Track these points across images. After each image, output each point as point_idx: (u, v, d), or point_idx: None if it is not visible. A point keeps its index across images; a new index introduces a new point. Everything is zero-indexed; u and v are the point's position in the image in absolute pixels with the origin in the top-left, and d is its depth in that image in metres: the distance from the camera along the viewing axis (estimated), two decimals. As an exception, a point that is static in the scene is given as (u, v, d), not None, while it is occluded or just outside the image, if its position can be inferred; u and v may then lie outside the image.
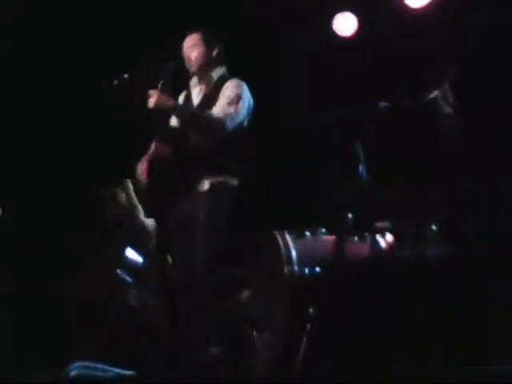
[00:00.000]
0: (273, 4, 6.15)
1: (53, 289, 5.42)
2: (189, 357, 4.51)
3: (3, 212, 5.40)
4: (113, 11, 6.18)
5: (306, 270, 4.34)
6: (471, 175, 4.28)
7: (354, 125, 4.39)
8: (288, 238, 4.46)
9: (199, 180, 4.60)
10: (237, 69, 4.88)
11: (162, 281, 5.05)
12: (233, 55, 4.88)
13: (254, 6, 6.22)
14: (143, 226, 5.59)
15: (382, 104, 4.42)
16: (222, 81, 4.75)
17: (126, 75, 4.72)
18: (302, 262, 4.36)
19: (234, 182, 4.66)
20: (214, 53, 4.79)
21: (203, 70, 4.80)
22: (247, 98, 4.72)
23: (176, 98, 4.87)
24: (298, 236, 4.50)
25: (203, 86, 4.83)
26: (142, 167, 4.75)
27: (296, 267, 4.35)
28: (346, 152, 4.35)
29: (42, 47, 6.17)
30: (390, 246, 4.27)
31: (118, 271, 5.26)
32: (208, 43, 4.78)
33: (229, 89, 4.69)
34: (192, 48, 4.79)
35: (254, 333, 4.55)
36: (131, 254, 5.42)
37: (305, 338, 3.89)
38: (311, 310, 3.94)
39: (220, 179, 4.62)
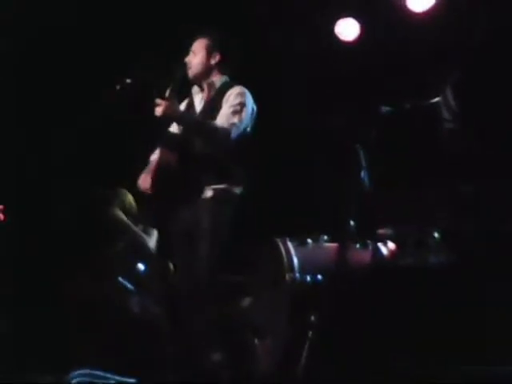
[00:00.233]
0: (275, 9, 6.14)
1: (55, 294, 5.43)
2: (191, 363, 4.51)
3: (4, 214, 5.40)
4: (118, 14, 6.18)
5: (308, 278, 4.35)
6: (473, 181, 4.27)
7: (356, 129, 4.39)
8: (290, 245, 4.47)
9: (202, 187, 4.59)
10: (239, 74, 4.86)
11: (164, 288, 5.05)
12: (235, 61, 4.86)
13: (255, 11, 6.21)
14: (141, 235, 5.61)
15: (384, 108, 4.42)
16: (225, 88, 4.73)
17: (128, 80, 4.71)
18: (303, 269, 4.36)
19: (237, 189, 4.65)
20: (213, 61, 4.77)
21: (203, 77, 4.79)
22: (250, 105, 4.71)
23: (179, 104, 4.87)
24: (300, 243, 4.50)
25: (205, 94, 4.82)
26: (145, 175, 4.75)
27: (298, 274, 4.36)
28: (348, 158, 4.35)
29: (42, 49, 6.16)
30: (392, 253, 4.27)
31: (120, 278, 5.26)
32: (209, 50, 4.77)
33: (232, 97, 4.67)
34: (195, 53, 4.78)
35: (256, 339, 4.55)
36: (133, 260, 5.43)
37: (306, 345, 3.89)
38: (313, 318, 3.94)
39: (223, 187, 4.60)
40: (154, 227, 5.72)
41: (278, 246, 4.48)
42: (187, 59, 4.79)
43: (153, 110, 4.54)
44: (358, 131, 4.36)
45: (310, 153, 6.04)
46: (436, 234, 4.13)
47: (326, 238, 4.58)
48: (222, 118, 4.60)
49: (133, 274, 5.40)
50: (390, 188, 4.62)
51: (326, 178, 5.75)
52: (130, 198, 5.81)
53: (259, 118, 4.77)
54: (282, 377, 4.18)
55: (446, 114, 4.32)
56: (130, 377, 4.40)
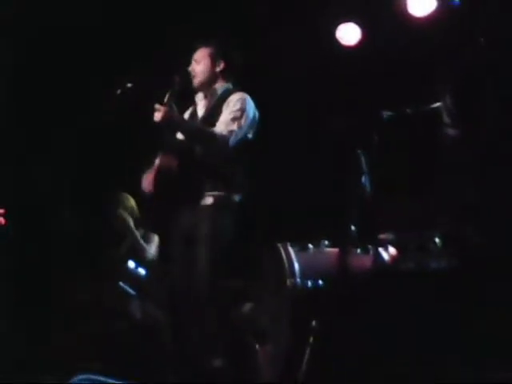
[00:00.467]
0: (275, 13, 6.14)
1: (56, 296, 5.43)
2: (191, 369, 4.51)
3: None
4: (118, 14, 6.18)
5: (309, 283, 4.34)
6: (475, 186, 4.27)
7: (357, 134, 4.39)
8: (291, 250, 4.47)
9: (203, 194, 4.60)
10: (241, 81, 4.87)
11: (165, 293, 5.05)
12: (239, 69, 4.87)
13: (256, 14, 6.22)
14: (141, 240, 5.62)
15: (385, 114, 4.42)
16: (226, 95, 4.74)
17: (129, 85, 4.72)
18: (304, 274, 4.36)
19: (237, 196, 4.65)
20: (218, 68, 4.78)
21: (206, 85, 4.80)
22: (251, 111, 4.71)
23: (183, 112, 4.87)
24: (301, 248, 4.50)
25: (207, 101, 4.83)
26: (147, 179, 4.75)
27: (299, 279, 4.35)
28: (349, 163, 4.35)
29: (42, 48, 6.17)
30: (393, 258, 4.26)
31: (121, 283, 5.27)
32: (213, 58, 4.78)
33: (232, 103, 4.68)
34: (197, 62, 4.79)
35: (257, 345, 4.55)
36: (133, 265, 5.44)
37: (307, 351, 3.89)
38: (314, 323, 3.94)
39: (223, 193, 4.61)
40: (155, 232, 5.74)
41: (279, 251, 4.47)
42: (190, 68, 4.80)
43: (151, 116, 4.55)
44: (360, 136, 4.36)
45: (312, 157, 6.04)
46: (437, 239, 4.13)
47: (327, 242, 4.57)
48: (222, 125, 4.61)
49: (134, 279, 5.41)
50: (391, 193, 4.62)
51: (327, 183, 5.76)
52: (132, 202, 5.82)
53: (261, 122, 4.78)
54: (282, 382, 4.18)
55: (446, 120, 4.32)
56: (131, 381, 4.39)
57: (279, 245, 4.51)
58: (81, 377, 4.24)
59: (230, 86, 4.82)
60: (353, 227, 4.23)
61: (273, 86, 5.86)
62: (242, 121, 4.62)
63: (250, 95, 4.77)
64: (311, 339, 3.90)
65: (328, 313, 3.99)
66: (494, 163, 4.41)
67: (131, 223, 5.71)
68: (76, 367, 4.58)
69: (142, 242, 5.62)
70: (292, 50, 6.14)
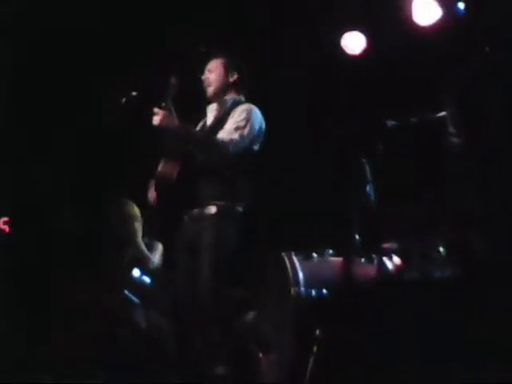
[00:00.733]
0: (280, 21, 6.15)
1: (58, 299, 5.43)
2: (195, 377, 4.50)
3: None
4: (118, 15, 6.18)
5: (313, 292, 4.34)
6: (478, 194, 4.27)
7: (362, 143, 4.39)
8: (295, 259, 4.46)
9: (206, 203, 4.60)
10: (251, 92, 4.88)
11: (169, 301, 5.05)
12: (250, 82, 4.88)
13: (260, 23, 6.22)
14: (144, 249, 5.62)
15: (390, 122, 4.42)
16: (235, 106, 4.75)
17: (134, 93, 4.72)
18: (308, 283, 4.36)
19: (241, 205, 4.64)
20: (231, 79, 4.79)
21: (219, 94, 4.81)
22: (257, 123, 4.70)
23: (196, 124, 4.88)
24: (305, 257, 4.50)
25: (217, 111, 4.83)
26: (151, 186, 4.76)
27: (303, 288, 4.35)
28: (354, 171, 4.35)
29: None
30: (397, 267, 4.26)
31: (125, 291, 5.26)
32: (226, 68, 4.78)
33: (237, 113, 4.68)
34: (210, 71, 4.80)
35: (261, 353, 4.54)
36: (138, 274, 5.43)
37: (311, 360, 3.88)
38: (318, 332, 3.94)
39: (227, 203, 4.60)
40: (158, 240, 5.73)
41: (283, 259, 4.47)
42: (203, 77, 4.82)
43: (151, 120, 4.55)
44: (364, 145, 4.36)
45: (316, 166, 6.03)
46: (441, 248, 4.13)
47: (331, 252, 4.57)
48: (224, 133, 4.61)
49: (138, 287, 5.40)
50: (395, 202, 4.61)
51: (331, 192, 5.75)
52: (136, 210, 5.82)
53: (266, 131, 4.77)
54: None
55: (451, 129, 4.33)
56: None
57: (283, 254, 4.51)
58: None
59: (241, 98, 4.83)
60: (357, 236, 4.23)
61: (276, 95, 5.85)
62: (245, 131, 4.61)
63: (257, 105, 4.77)
64: (315, 348, 3.90)
65: (332, 322, 3.99)
66: (498, 172, 4.41)
67: (137, 233, 5.71)
68: (76, 367, 4.60)
69: (146, 252, 5.62)
70: (297, 58, 6.14)
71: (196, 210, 4.63)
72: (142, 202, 4.98)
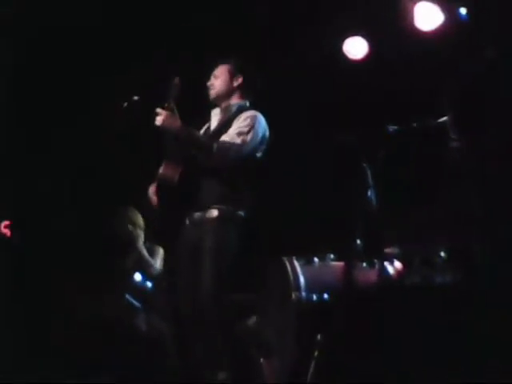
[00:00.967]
0: (282, 26, 6.15)
1: (61, 303, 5.44)
2: (196, 382, 4.50)
3: None
4: (120, 18, 6.17)
5: (314, 296, 4.35)
6: (480, 200, 4.26)
7: (363, 148, 4.40)
8: (296, 264, 4.47)
9: (207, 207, 4.60)
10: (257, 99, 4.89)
11: (170, 306, 5.04)
12: (256, 86, 4.88)
13: (261, 28, 6.22)
14: (145, 253, 5.62)
15: (391, 127, 4.43)
16: (240, 111, 4.75)
17: (136, 97, 4.73)
18: (310, 288, 4.36)
19: (242, 211, 4.63)
20: (236, 83, 4.79)
21: (222, 98, 4.81)
22: (261, 130, 4.69)
23: (199, 128, 4.89)
24: (307, 262, 4.51)
25: (221, 116, 4.84)
26: (152, 189, 4.76)
27: (304, 293, 4.36)
28: (355, 176, 4.36)
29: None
30: (399, 272, 4.26)
31: (127, 296, 5.27)
32: (232, 73, 4.79)
33: (242, 119, 4.67)
34: (216, 77, 4.81)
35: (262, 358, 4.54)
36: (140, 278, 5.44)
37: (312, 364, 3.88)
38: (319, 337, 3.94)
39: (228, 207, 4.60)
40: (159, 245, 5.74)
41: (284, 264, 4.48)
42: (209, 83, 4.83)
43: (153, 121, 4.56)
44: (366, 150, 4.37)
45: (318, 171, 6.04)
46: (442, 253, 4.13)
47: (332, 256, 4.57)
48: (226, 138, 4.61)
49: (140, 291, 5.41)
50: (397, 207, 4.62)
51: (333, 197, 5.75)
52: (138, 215, 5.82)
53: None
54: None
55: (452, 134, 4.33)
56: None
57: (285, 258, 4.52)
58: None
59: (246, 103, 4.83)
60: (358, 241, 4.24)
61: (277, 100, 5.84)
62: (248, 137, 4.61)
63: (259, 110, 4.78)
64: (316, 353, 3.90)
65: (333, 326, 3.99)
66: (499, 177, 4.42)
67: (139, 239, 5.71)
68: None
69: (148, 258, 5.62)
70: (299, 63, 6.15)
71: (197, 214, 4.63)
72: (144, 207, 4.97)
